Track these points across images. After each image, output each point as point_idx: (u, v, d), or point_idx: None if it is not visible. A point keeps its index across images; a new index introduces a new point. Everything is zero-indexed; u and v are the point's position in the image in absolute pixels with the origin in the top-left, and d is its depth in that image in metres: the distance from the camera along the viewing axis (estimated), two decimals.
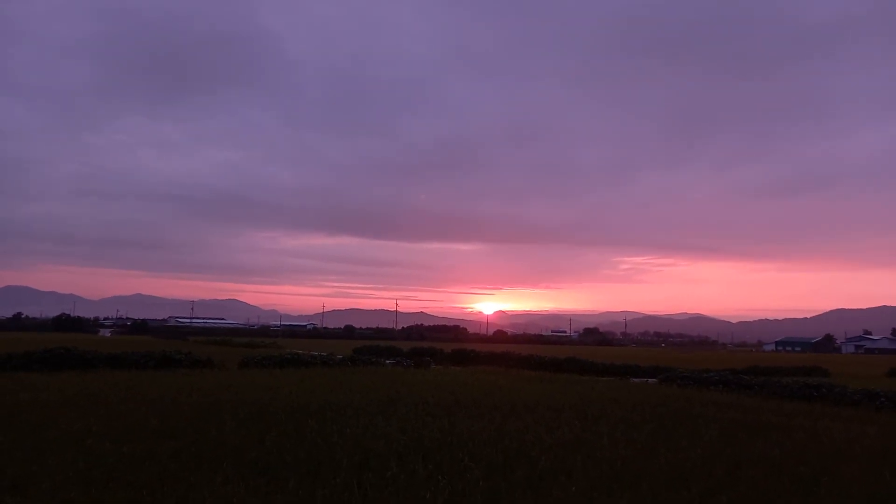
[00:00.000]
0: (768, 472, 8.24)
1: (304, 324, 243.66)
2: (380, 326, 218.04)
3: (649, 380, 27.04)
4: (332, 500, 6.39)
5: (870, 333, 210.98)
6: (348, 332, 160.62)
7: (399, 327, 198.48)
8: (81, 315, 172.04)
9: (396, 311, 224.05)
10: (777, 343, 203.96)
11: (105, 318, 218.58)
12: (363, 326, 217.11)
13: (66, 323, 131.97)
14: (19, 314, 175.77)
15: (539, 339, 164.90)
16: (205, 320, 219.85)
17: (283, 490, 6.71)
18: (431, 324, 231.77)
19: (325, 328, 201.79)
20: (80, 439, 9.01)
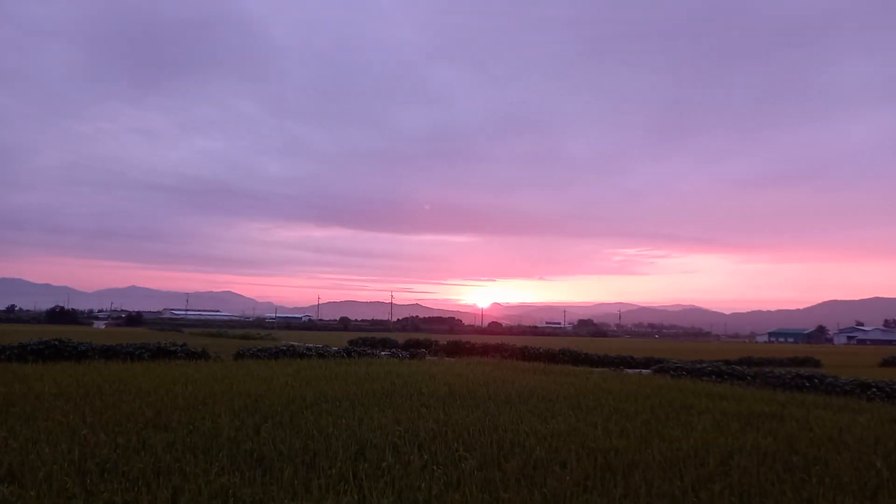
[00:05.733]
0: (760, 462, 8.30)
1: (300, 316, 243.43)
2: (375, 318, 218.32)
3: (643, 371, 27.16)
4: (327, 491, 6.40)
5: (862, 324, 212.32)
6: (343, 324, 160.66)
7: (394, 319, 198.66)
8: (75, 307, 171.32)
9: (392, 303, 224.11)
10: (770, 334, 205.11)
11: (99, 311, 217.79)
12: (358, 318, 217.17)
13: (60, 315, 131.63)
14: (13, 306, 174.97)
15: (534, 331, 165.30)
16: (200, 312, 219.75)
17: (278, 480, 6.73)
18: (427, 315, 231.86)
19: (320, 320, 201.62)
20: (74, 430, 8.99)
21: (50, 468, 6.93)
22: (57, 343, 22.82)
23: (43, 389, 13.44)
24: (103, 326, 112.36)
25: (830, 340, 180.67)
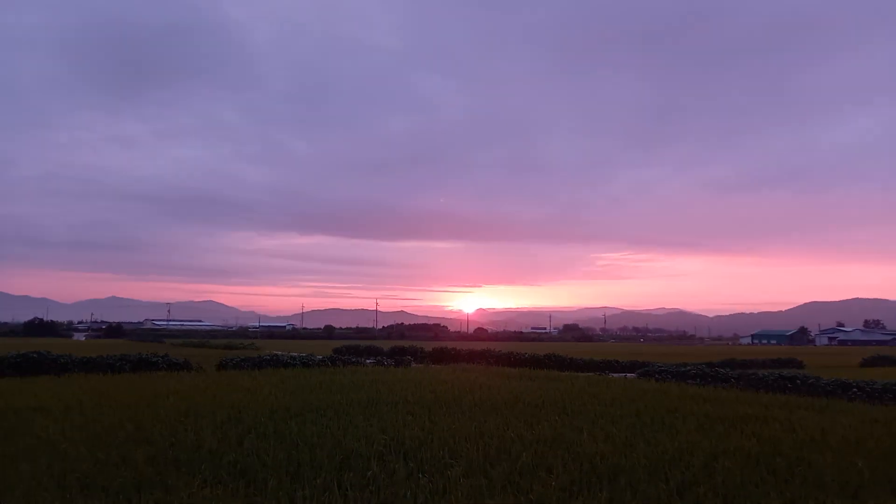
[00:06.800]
0: (744, 464, 8.35)
1: (283, 324, 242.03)
2: (360, 326, 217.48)
3: (628, 375, 27.27)
4: (312, 501, 6.35)
5: (843, 325, 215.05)
6: (328, 333, 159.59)
7: (379, 327, 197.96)
8: (54, 319, 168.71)
9: (377, 311, 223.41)
10: (753, 336, 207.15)
11: (79, 322, 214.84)
12: (343, 326, 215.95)
13: (38, 327, 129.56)
14: None
15: (519, 337, 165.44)
16: (181, 322, 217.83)
17: (262, 492, 6.66)
18: (412, 322, 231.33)
19: (304, 329, 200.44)
20: (54, 445, 8.86)
21: (29, 484, 6.82)
22: (36, 356, 22.46)
23: (22, 404, 13.24)
24: (83, 338, 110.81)
25: (812, 341, 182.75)
